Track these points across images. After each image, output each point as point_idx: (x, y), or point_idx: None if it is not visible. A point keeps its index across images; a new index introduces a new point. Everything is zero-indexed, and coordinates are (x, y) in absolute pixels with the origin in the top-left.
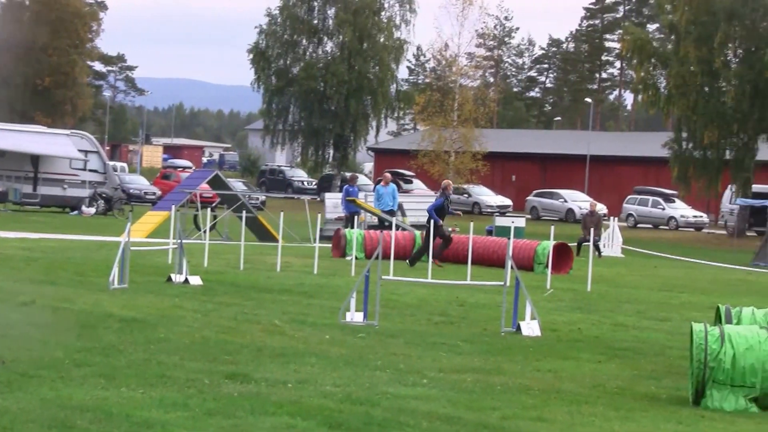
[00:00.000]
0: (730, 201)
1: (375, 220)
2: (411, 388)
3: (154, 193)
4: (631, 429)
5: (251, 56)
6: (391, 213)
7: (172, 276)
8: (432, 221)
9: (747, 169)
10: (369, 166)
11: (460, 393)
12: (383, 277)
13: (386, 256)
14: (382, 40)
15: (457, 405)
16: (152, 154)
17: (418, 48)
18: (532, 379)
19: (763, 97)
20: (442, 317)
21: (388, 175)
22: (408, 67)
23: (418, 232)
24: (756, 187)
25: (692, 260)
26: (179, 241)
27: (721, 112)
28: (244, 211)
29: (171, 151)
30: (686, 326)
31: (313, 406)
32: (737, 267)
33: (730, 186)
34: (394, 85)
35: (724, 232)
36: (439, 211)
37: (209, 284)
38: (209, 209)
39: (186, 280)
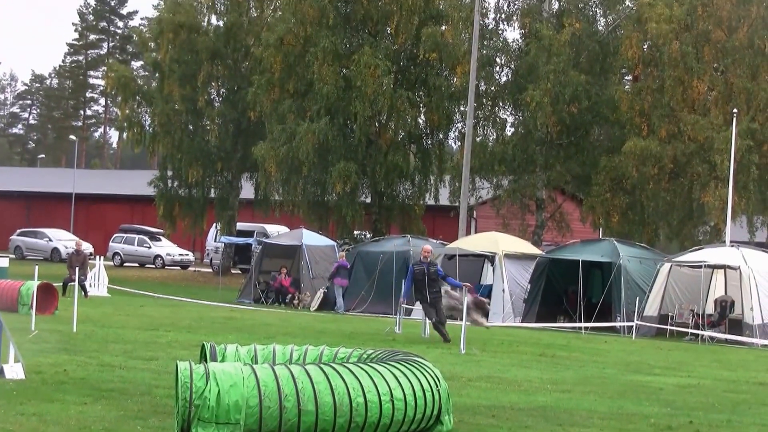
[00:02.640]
0: (215, 239)
1: None
2: None
3: None
4: None
5: None
6: None
7: None
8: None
9: (231, 207)
10: None
11: None
12: None
13: None
14: None
15: None
16: None
17: None
18: (15, 423)
19: (246, 135)
20: None
21: None
22: None
23: None
24: (240, 225)
25: (179, 298)
26: None
27: (205, 151)
28: None
29: None
30: (173, 365)
31: None
32: (223, 304)
33: (215, 224)
34: None
35: (210, 270)
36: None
37: None
38: None
39: None
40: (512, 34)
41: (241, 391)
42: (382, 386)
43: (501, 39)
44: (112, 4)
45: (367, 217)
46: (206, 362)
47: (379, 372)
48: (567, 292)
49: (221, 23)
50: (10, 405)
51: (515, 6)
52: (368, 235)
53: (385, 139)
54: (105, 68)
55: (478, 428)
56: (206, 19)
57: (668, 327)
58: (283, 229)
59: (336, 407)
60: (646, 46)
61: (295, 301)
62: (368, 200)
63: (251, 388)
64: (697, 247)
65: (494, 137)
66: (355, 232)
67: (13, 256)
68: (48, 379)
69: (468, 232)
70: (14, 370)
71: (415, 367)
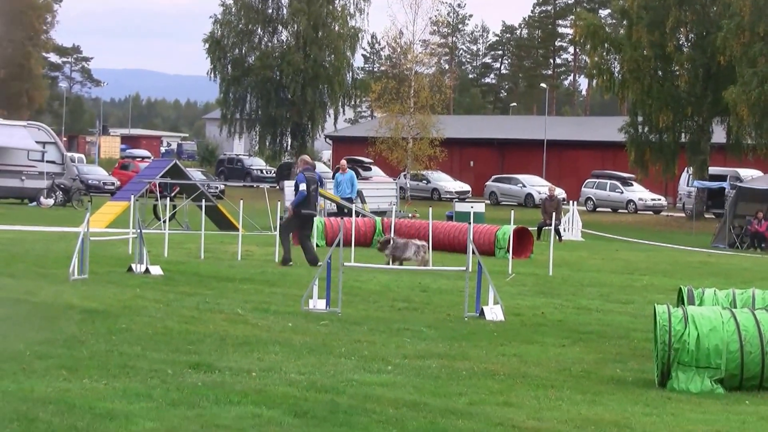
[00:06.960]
0: (687, 183)
1: (335, 207)
2: (376, 375)
3: (113, 184)
4: (598, 412)
5: (207, 46)
6: (350, 200)
7: (133, 266)
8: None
9: (703, 152)
10: (327, 154)
11: (426, 379)
12: (345, 264)
13: (347, 243)
14: (336, 28)
15: (423, 391)
16: (110, 145)
17: (373, 36)
18: (497, 363)
19: (715, 80)
20: (405, 303)
21: (344, 162)
22: (363, 55)
23: (378, 218)
24: (712, 170)
25: (652, 243)
26: (139, 231)
27: (675, 96)
28: (203, 201)
29: (128, 141)
30: (649, 308)
31: (278, 395)
32: (697, 249)
33: (687, 169)
34: (350, 73)
35: (682, 214)
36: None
37: (170, 274)
38: (168, 199)
39: (147, 270)
40: None
41: (720, 335)
42: None
43: None
44: None
45: None
46: (684, 306)
47: None
48: None
49: None
50: (492, 346)
51: None
52: None
53: None
54: (573, 17)
55: None
56: None
57: None
58: (756, 173)
59: None
60: None
61: None
62: None
63: (731, 333)
64: None
65: None
66: None
67: (488, 201)
68: (526, 321)
69: None
70: (494, 312)
71: None
